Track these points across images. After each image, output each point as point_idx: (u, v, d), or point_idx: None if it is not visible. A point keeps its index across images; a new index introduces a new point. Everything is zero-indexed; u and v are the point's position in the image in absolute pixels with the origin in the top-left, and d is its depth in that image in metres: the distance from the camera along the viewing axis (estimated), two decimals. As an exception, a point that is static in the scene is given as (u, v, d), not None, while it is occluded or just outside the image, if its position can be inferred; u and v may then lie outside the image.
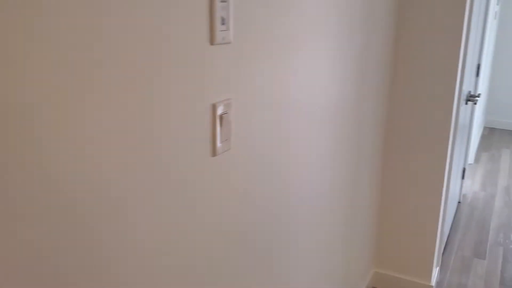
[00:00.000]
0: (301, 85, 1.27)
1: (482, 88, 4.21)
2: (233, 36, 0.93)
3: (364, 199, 2.12)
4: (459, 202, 3.53)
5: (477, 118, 4.25)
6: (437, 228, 2.30)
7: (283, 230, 1.32)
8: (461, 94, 2.33)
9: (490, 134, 5.48)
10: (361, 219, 2.12)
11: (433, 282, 2.40)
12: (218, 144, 0.93)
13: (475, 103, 2.71)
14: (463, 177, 3.49)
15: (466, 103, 2.75)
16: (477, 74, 3.26)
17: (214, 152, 0.93)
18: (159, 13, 0.74)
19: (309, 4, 1.24)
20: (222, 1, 0.88)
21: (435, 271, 2.46)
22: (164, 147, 0.80)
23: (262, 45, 1.05)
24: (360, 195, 2.04)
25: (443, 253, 2.82)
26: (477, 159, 4.54)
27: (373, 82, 1.95)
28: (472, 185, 3.89)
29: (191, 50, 0.82)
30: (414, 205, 2.30)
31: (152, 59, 0.74)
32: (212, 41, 0.87)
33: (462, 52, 2.12)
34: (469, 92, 2.83)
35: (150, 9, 0.72)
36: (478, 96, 2.81)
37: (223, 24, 0.89)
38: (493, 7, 3.87)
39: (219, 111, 0.92)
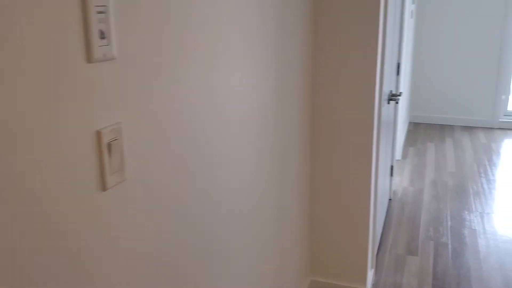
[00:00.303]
0: (213, 96, 1.17)
1: (404, 85, 4.32)
2: (117, 52, 0.82)
3: (294, 206, 2.06)
4: (390, 199, 3.58)
5: (401, 114, 4.36)
6: (368, 229, 2.28)
7: (207, 250, 1.21)
8: (382, 94, 2.33)
9: (415, 129, 5.66)
10: (292, 227, 2.05)
11: (369, 285, 2.38)
12: (108, 176, 0.81)
13: (397, 102, 2.74)
14: (391, 174, 3.54)
15: (388, 103, 2.77)
16: (398, 72, 3.31)
17: (103, 186, 0.80)
18: (20, 33, 0.61)
19: (212, 9, 1.15)
20: (99, 12, 0.76)
21: (370, 274, 2.45)
22: (38, 189, 0.66)
23: (159, 59, 0.94)
24: (289, 202, 1.98)
25: (377, 254, 2.83)
26: (404, 155, 4.65)
27: (293, 86, 1.89)
28: (402, 181, 3.97)
29: (63, 71, 0.70)
30: (344, 208, 2.27)
31: (10, 88, 0.61)
32: (89, 59, 0.75)
33: (380, 52, 2.11)
34: (391, 91, 2.86)
35: (11, 30, 0.59)
36: (400, 95, 2.85)
37: (103, 38, 0.77)
38: (409, 6, 3.98)
39: (106, 138, 0.80)
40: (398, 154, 4.46)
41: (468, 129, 5.61)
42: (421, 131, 5.55)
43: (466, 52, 5.54)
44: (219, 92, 1.22)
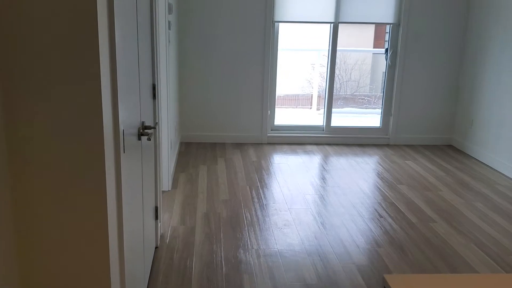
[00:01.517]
0: None
1: (169, 106, 3.80)
2: None
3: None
4: (156, 247, 2.98)
5: (168, 139, 3.82)
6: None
7: None
8: (122, 134, 1.70)
9: (187, 149, 5.24)
10: None
11: None
12: None
13: (150, 138, 2.14)
14: (156, 217, 2.95)
15: (139, 138, 2.16)
16: (154, 96, 2.74)
17: None
18: None
19: None
20: None
21: None
22: None
23: None
24: None
25: (138, 334, 2.19)
26: (174, 184, 4.14)
27: None
28: (171, 218, 3.42)
29: None
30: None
31: None
32: None
33: (108, 82, 1.47)
34: (143, 123, 2.25)
35: None
36: (155, 127, 2.27)
37: None
38: (165, 17, 3.46)
39: None
40: (166, 184, 3.91)
41: (240, 146, 5.44)
42: (193, 152, 5.15)
43: (233, 66, 5.35)
44: None
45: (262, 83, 5.41)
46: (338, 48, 5.46)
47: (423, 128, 5.73)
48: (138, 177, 2.20)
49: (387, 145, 5.69)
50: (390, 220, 3.55)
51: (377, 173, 4.65)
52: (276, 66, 5.46)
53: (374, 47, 11.62)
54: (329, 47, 5.51)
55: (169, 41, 3.85)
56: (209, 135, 5.52)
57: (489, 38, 5.03)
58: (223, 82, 5.39)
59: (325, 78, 5.66)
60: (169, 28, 3.73)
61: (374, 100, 10.40)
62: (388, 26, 5.52)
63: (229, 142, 5.56)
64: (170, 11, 3.78)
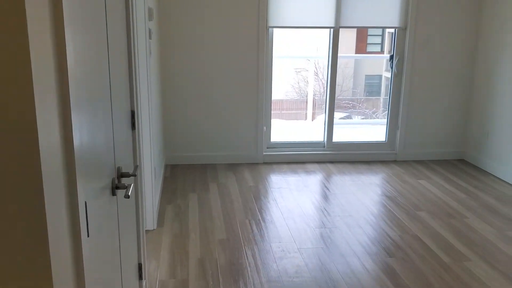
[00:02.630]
0: None
1: (152, 132, 3.19)
2: None
3: None
4: (141, 314, 2.38)
5: (152, 167, 3.22)
6: None
7: None
8: (81, 210, 1.11)
9: (173, 174, 4.62)
10: None
11: None
12: None
13: (128, 195, 1.54)
14: (141, 276, 2.35)
15: (114, 194, 1.57)
16: (133, 126, 2.14)
17: None
18: None
19: None
20: None
21: None
22: None
23: None
24: None
25: None
26: (160, 220, 3.52)
27: None
28: (158, 269, 2.82)
29: None
30: None
31: None
32: None
33: (54, 124, 0.88)
34: (118, 169, 1.66)
35: None
36: (135, 174, 1.67)
37: None
38: (144, 24, 2.87)
39: None
40: (150, 223, 3.30)
41: (233, 167, 4.84)
42: (180, 176, 4.53)
43: (224, 78, 4.77)
44: None
45: (257, 96, 4.83)
46: (339, 55, 4.92)
47: (433, 141, 5.21)
48: (113, 239, 1.61)
49: (394, 162, 5.15)
50: (417, 259, 3.00)
51: (390, 196, 4.10)
52: (271, 76, 4.89)
53: (356, 52, 11.15)
54: (328, 53, 4.96)
55: (150, 52, 3.26)
56: (198, 155, 4.92)
57: (504, 42, 4.53)
58: (212, 95, 4.80)
59: (325, 87, 5.11)
60: (150, 37, 3.14)
61: (358, 104, 9.94)
62: (391, 31, 5.00)
63: (220, 162, 4.96)
64: (150, 17, 3.19)
